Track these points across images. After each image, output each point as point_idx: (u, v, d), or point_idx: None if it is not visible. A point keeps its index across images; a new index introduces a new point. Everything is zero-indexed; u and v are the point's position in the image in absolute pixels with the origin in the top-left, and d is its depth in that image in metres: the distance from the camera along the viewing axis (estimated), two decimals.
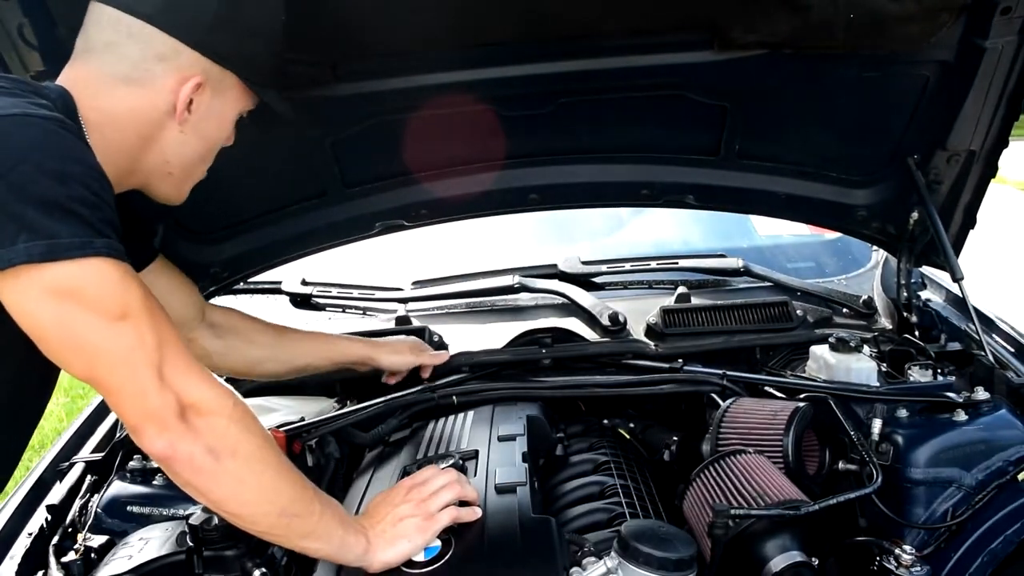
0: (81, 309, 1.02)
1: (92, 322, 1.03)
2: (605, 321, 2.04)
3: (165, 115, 1.24)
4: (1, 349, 1.13)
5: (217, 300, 2.20)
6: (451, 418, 1.74)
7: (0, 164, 1.00)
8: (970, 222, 1.89)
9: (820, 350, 1.78)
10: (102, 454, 1.73)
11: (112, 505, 1.59)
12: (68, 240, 1.00)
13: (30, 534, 1.57)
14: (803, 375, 1.80)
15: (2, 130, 1.04)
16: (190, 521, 1.31)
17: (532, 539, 1.28)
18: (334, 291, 2.38)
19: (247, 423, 1.13)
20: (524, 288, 2.26)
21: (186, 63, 1.22)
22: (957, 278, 1.84)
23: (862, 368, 1.70)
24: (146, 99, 1.22)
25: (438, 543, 1.26)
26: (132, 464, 1.65)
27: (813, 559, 1.32)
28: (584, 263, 2.36)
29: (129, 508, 1.58)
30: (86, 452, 1.84)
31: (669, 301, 2.16)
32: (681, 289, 2.21)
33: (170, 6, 1.20)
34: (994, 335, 1.99)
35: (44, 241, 0.99)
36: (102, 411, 2.03)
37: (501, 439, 1.60)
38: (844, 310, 2.19)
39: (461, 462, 1.47)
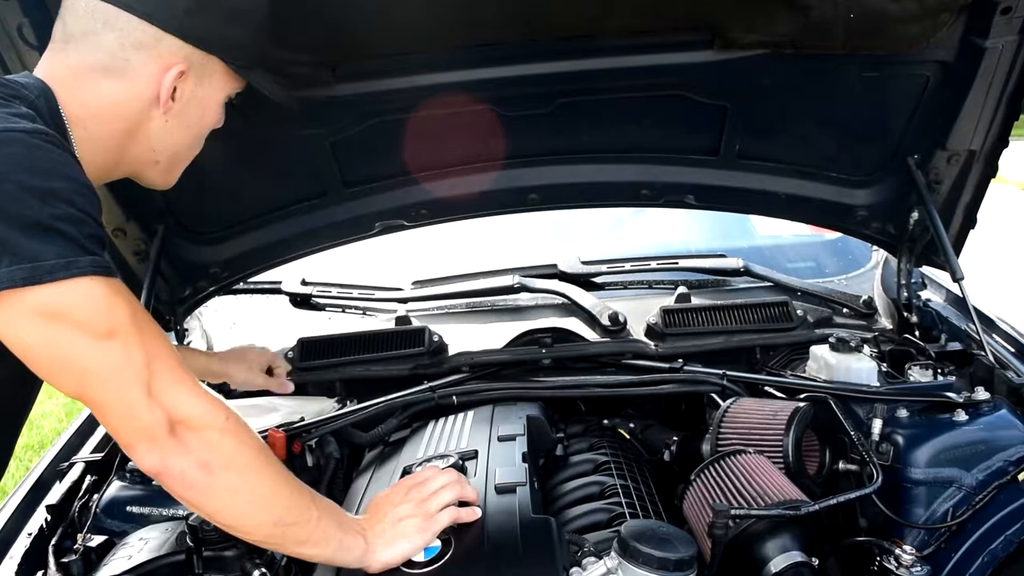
0: (68, 329, 1.01)
1: (79, 341, 1.02)
2: (605, 321, 2.04)
3: (148, 105, 1.20)
4: None
5: (217, 300, 2.21)
6: (451, 418, 1.74)
7: None
8: (970, 222, 1.89)
9: (820, 350, 1.78)
10: (102, 454, 1.73)
11: (112, 505, 1.59)
12: (53, 262, 0.98)
13: (30, 534, 1.57)
14: (803, 375, 1.80)
15: None
16: (189, 521, 1.31)
17: (532, 539, 1.27)
18: (334, 291, 2.38)
19: (240, 435, 1.12)
20: (524, 288, 2.26)
21: (167, 50, 1.18)
22: (957, 278, 1.84)
23: (862, 368, 1.69)
24: (128, 90, 1.18)
25: (438, 543, 1.26)
26: (132, 464, 1.65)
27: (813, 559, 1.32)
28: (584, 263, 2.36)
29: (128, 508, 1.58)
30: (86, 452, 1.83)
31: (669, 301, 2.16)
32: (681, 289, 2.21)
33: None
34: (994, 335, 1.99)
35: (28, 264, 0.97)
36: None
37: (501, 439, 1.59)
38: (844, 310, 2.19)
39: (461, 462, 1.47)
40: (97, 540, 1.50)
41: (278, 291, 2.37)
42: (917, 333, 1.98)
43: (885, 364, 1.78)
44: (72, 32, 1.17)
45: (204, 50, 1.22)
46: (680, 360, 1.87)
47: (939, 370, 1.72)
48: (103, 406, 1.05)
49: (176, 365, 1.09)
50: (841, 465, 1.57)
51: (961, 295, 1.88)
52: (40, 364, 1.04)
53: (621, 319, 2.04)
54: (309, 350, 2.02)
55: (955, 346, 1.87)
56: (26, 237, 0.97)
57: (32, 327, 1.00)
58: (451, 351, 2.00)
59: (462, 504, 1.31)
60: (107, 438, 1.86)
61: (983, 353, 1.77)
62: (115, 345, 1.03)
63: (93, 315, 1.02)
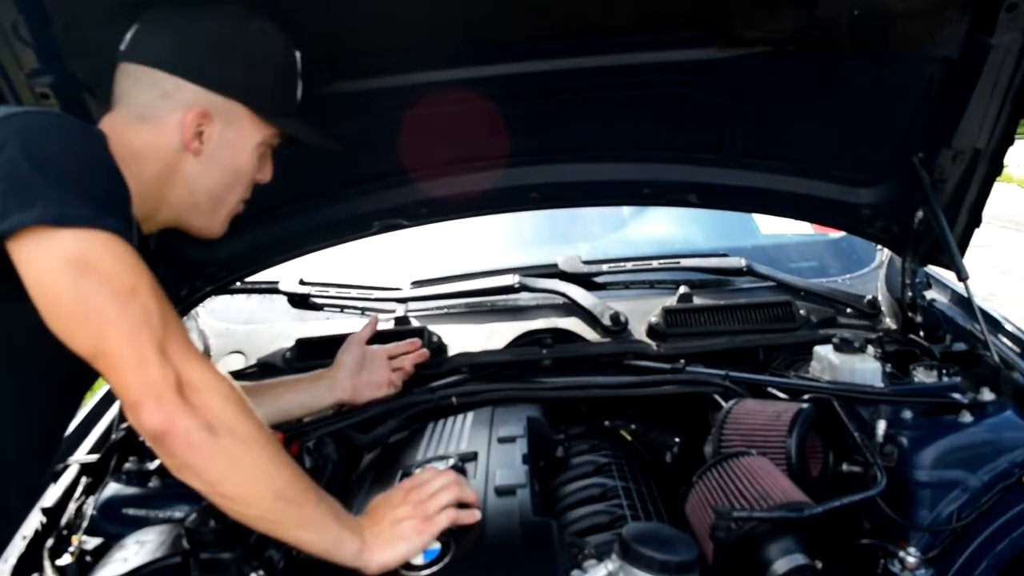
0: (95, 279, 1.07)
1: (105, 294, 1.07)
2: (606, 321, 2.03)
3: (180, 149, 1.32)
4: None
5: (213, 300, 2.19)
6: (450, 419, 1.72)
7: (28, 144, 1.09)
8: (975, 221, 1.88)
9: (824, 350, 1.77)
10: (97, 455, 1.72)
11: (107, 507, 1.57)
12: (82, 211, 1.06)
13: (24, 537, 1.55)
14: (806, 376, 1.78)
15: (35, 119, 1.15)
16: (186, 524, 1.30)
17: (532, 541, 1.26)
18: (332, 291, 2.36)
19: (243, 406, 1.15)
20: (524, 288, 2.24)
21: (189, 97, 1.31)
22: (962, 277, 1.83)
23: (866, 369, 1.68)
24: (159, 135, 1.31)
25: (437, 545, 1.25)
26: (128, 466, 1.63)
27: (816, 562, 1.30)
28: (585, 263, 2.35)
29: (124, 510, 1.56)
30: (81, 454, 1.82)
31: (671, 301, 2.14)
32: (683, 289, 2.20)
33: (167, 49, 1.30)
34: (1000, 335, 1.97)
35: (58, 209, 1.05)
36: (97, 412, 2.01)
37: (501, 440, 1.58)
38: (848, 310, 2.17)
39: (460, 464, 1.46)
40: (93, 542, 1.48)
41: (276, 291, 2.35)
42: (922, 333, 1.96)
43: (889, 365, 1.76)
44: (116, 96, 1.33)
45: (223, 95, 1.33)
46: (682, 361, 1.85)
47: (944, 371, 1.70)
48: (117, 360, 1.08)
49: (186, 335, 1.15)
50: (845, 467, 1.55)
51: (966, 295, 1.86)
52: (61, 314, 1.08)
53: (622, 319, 2.03)
54: (307, 350, 2.01)
55: (960, 346, 1.86)
56: (61, 190, 1.07)
57: (60, 273, 1.06)
58: (451, 352, 1.99)
59: (462, 506, 1.30)
60: (103, 439, 1.84)
61: (988, 353, 1.76)
62: (136, 303, 1.09)
63: (119, 270, 1.08)
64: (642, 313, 2.08)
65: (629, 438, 1.86)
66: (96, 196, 1.09)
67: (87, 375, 1.29)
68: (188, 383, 1.10)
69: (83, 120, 1.24)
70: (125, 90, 1.32)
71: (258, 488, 1.14)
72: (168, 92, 1.30)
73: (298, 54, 1.40)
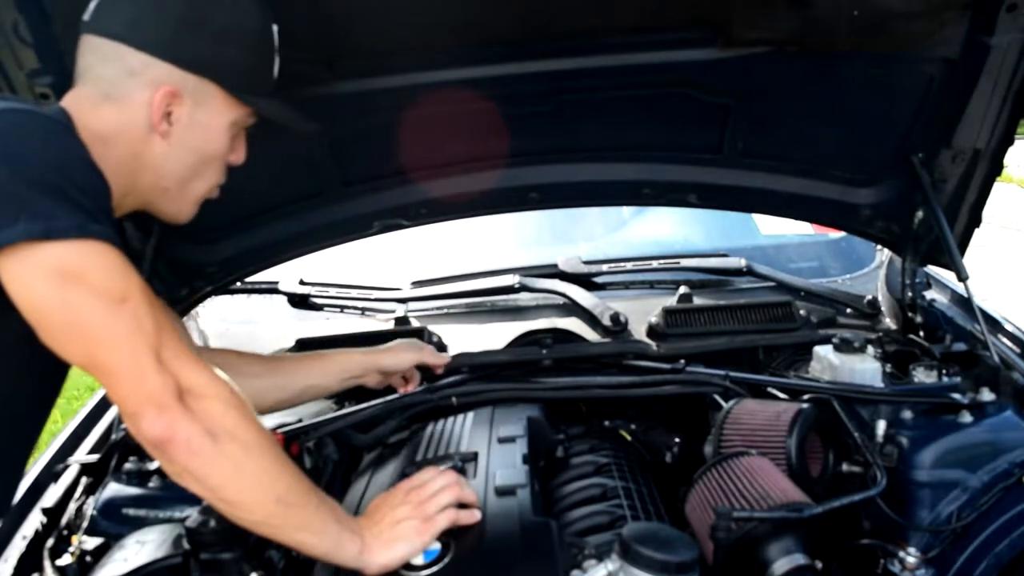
0: (83, 291, 1.04)
1: (94, 304, 1.04)
2: (606, 321, 2.03)
3: (147, 130, 1.24)
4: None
5: (213, 301, 2.19)
6: (450, 419, 1.72)
7: (4, 151, 1.04)
8: (975, 221, 1.88)
9: (824, 351, 1.77)
10: (98, 455, 1.72)
11: (108, 507, 1.57)
12: (66, 222, 1.02)
13: (25, 537, 1.56)
14: (806, 376, 1.79)
15: (7, 121, 1.08)
16: (186, 524, 1.30)
17: (532, 542, 1.26)
18: (332, 291, 2.36)
19: (244, 410, 1.13)
20: (524, 288, 2.25)
21: (158, 75, 1.23)
22: (962, 277, 1.83)
23: (866, 369, 1.68)
24: (126, 115, 1.23)
25: (437, 546, 1.25)
26: (128, 466, 1.63)
27: (816, 562, 1.31)
28: (585, 263, 2.35)
29: (125, 511, 1.56)
30: (81, 453, 1.82)
31: (671, 301, 2.14)
32: (683, 289, 2.20)
33: (134, 21, 1.22)
34: (1000, 335, 1.97)
35: (43, 222, 1.01)
36: (98, 412, 2.01)
37: (501, 441, 1.58)
38: (848, 310, 2.17)
39: (460, 464, 1.46)
40: (93, 542, 1.48)
41: (276, 291, 2.35)
42: (922, 333, 1.96)
43: (889, 365, 1.76)
44: (80, 69, 1.25)
45: (194, 73, 1.25)
46: (682, 361, 1.85)
47: (944, 371, 1.70)
48: (112, 371, 1.06)
49: (179, 337, 1.12)
50: (845, 467, 1.55)
51: (966, 295, 1.86)
52: (52, 328, 1.06)
53: (622, 319, 2.03)
54: (307, 350, 2.01)
55: (960, 347, 1.86)
56: (43, 199, 1.02)
57: (48, 287, 1.03)
58: (451, 352, 1.98)
59: (462, 506, 1.30)
60: (103, 439, 1.84)
61: (988, 353, 1.76)
62: (127, 311, 1.06)
63: (108, 279, 1.05)
64: (642, 313, 2.08)
65: (629, 438, 1.86)
66: (78, 201, 1.05)
67: (65, 368, 1.27)
68: (188, 389, 1.08)
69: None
70: (89, 64, 1.24)
71: (260, 493, 1.13)
72: (135, 70, 1.22)
73: (275, 27, 1.32)
